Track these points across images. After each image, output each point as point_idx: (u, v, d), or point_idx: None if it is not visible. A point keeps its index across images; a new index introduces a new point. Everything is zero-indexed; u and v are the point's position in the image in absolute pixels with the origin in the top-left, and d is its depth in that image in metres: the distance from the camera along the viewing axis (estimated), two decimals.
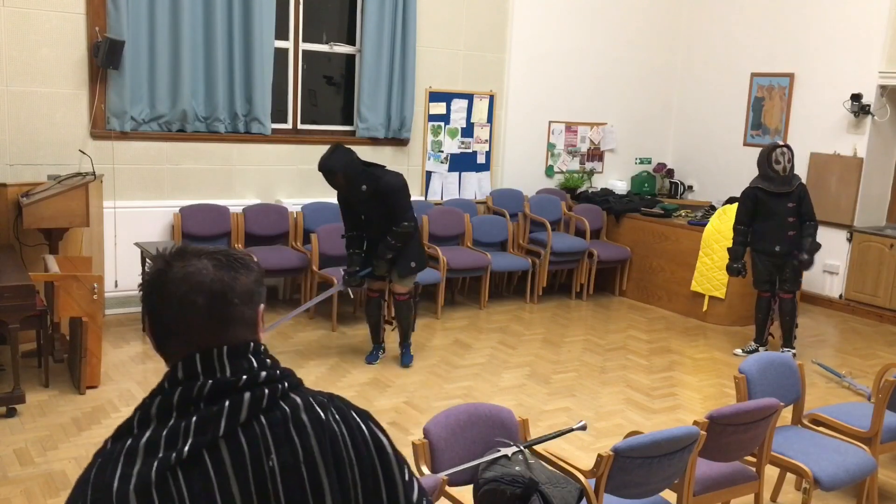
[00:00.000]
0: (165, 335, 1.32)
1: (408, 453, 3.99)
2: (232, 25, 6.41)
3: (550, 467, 2.82)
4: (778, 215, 5.90)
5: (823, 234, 7.61)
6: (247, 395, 1.27)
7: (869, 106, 7.42)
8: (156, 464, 1.21)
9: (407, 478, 1.38)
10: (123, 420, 1.28)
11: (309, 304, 5.86)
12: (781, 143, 6.27)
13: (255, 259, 1.42)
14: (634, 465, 2.72)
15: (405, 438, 4.35)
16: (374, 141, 7.24)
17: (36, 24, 5.77)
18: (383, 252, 5.24)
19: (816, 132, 7.86)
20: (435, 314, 6.82)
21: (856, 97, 7.43)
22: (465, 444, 2.80)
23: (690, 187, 9.03)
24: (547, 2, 8.05)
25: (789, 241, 5.90)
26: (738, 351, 6.23)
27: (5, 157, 5.76)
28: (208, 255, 1.33)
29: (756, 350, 6.13)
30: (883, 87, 7.41)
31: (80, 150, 5.88)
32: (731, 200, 7.64)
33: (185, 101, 6.30)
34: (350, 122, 7.32)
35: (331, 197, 7.02)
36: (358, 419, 1.36)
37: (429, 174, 7.65)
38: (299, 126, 7.10)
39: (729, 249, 6.16)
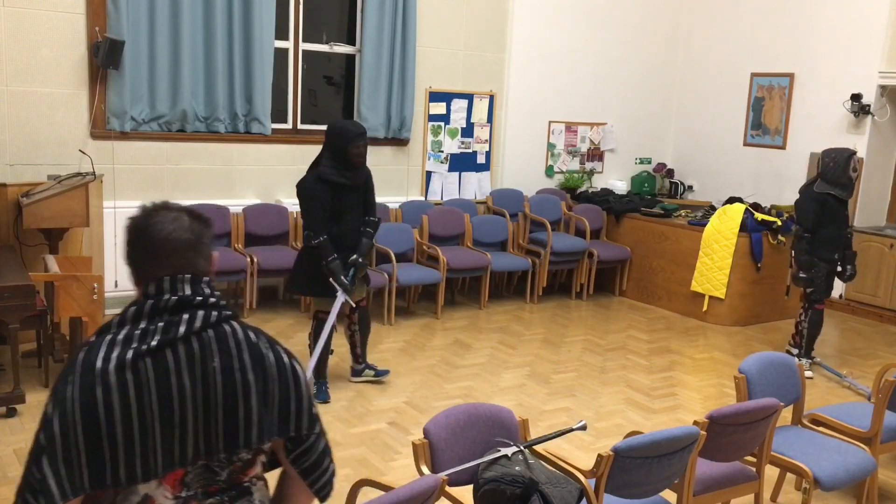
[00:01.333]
0: (144, 261, 1.72)
1: (408, 453, 4.00)
2: (232, 25, 6.41)
3: (550, 467, 2.82)
4: (840, 223, 5.70)
5: None
6: (201, 311, 1.69)
7: (869, 106, 7.42)
8: (130, 351, 1.63)
9: (313, 405, 1.82)
10: (105, 322, 1.71)
11: (332, 321, 4.91)
12: (852, 149, 5.92)
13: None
14: (634, 465, 2.72)
15: (405, 438, 4.35)
16: (374, 141, 7.23)
17: (36, 24, 5.77)
18: (367, 248, 4.85)
19: (816, 132, 7.86)
20: (435, 314, 6.82)
21: (856, 97, 7.43)
22: (465, 444, 2.80)
23: (690, 187, 9.03)
24: (547, 2, 8.05)
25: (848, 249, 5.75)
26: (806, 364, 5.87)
27: (5, 157, 5.76)
28: (185, 210, 1.76)
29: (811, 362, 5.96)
30: (883, 87, 7.41)
31: (80, 150, 5.88)
32: (731, 200, 7.65)
33: (185, 101, 6.30)
34: None
35: None
36: (282, 352, 1.79)
37: (429, 174, 7.65)
38: (299, 126, 7.10)
39: (801, 259, 5.71)
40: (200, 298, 1.70)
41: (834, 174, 5.62)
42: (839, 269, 5.77)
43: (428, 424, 2.77)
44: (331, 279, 4.68)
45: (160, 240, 1.70)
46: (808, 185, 5.81)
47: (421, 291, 7.16)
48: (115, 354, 1.63)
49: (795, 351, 6.02)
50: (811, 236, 5.67)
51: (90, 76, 5.99)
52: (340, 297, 4.74)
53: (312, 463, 1.84)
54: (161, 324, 1.66)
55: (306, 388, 1.80)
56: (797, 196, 5.87)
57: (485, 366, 5.66)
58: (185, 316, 1.68)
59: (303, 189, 4.69)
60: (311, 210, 4.65)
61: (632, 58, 8.71)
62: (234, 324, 1.75)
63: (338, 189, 4.67)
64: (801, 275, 5.74)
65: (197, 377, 1.66)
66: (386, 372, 5.27)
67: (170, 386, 1.63)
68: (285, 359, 1.79)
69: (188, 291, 1.70)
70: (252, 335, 1.76)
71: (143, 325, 1.66)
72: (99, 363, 1.62)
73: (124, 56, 5.93)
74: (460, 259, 6.88)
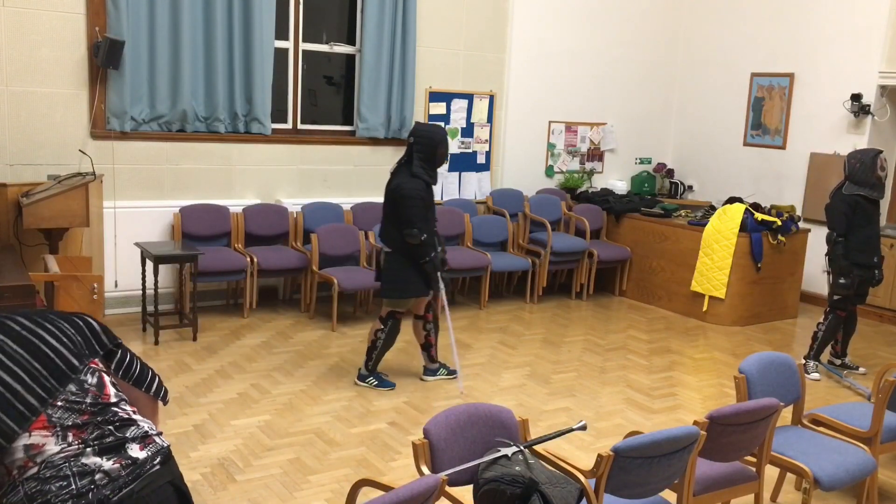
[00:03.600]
0: None
1: (408, 453, 4.00)
2: (232, 25, 6.41)
3: (550, 467, 2.82)
4: (874, 224, 5.61)
5: (823, 234, 7.62)
6: None
7: (869, 106, 7.42)
8: None
9: (107, 330, 2.13)
10: None
11: (448, 319, 5.35)
12: (878, 148, 5.82)
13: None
14: (634, 465, 2.72)
15: (405, 438, 4.35)
16: (374, 141, 7.24)
17: (36, 24, 5.77)
18: (444, 248, 5.15)
19: (816, 132, 7.86)
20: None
21: (856, 97, 7.44)
22: (465, 444, 2.80)
23: (690, 187, 9.03)
24: (547, 2, 8.05)
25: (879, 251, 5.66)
26: (843, 373, 5.86)
27: (5, 157, 5.76)
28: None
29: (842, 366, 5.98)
30: (883, 87, 7.41)
31: (80, 150, 5.88)
32: (731, 200, 7.65)
33: (185, 101, 6.30)
34: (350, 122, 7.32)
35: (330, 197, 7.06)
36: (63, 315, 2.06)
37: None
38: (299, 126, 7.10)
39: (841, 267, 5.57)
40: None
41: (862, 175, 5.53)
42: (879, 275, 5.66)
43: (428, 424, 2.77)
44: (432, 275, 4.93)
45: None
46: (837, 189, 5.71)
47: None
48: None
49: (838, 361, 6.00)
50: (845, 240, 5.55)
51: (90, 76, 5.99)
52: (443, 292, 5.05)
53: (138, 373, 2.17)
54: None
55: (92, 320, 2.10)
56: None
57: (485, 366, 5.66)
58: None
59: (409, 189, 4.83)
60: (415, 208, 4.83)
61: (632, 58, 8.71)
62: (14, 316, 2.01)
63: (427, 188, 4.92)
64: (842, 280, 5.58)
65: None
66: (455, 372, 5.33)
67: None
68: (67, 315, 2.08)
69: None
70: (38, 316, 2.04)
71: None
72: None
73: (124, 56, 5.93)
74: (460, 259, 6.88)
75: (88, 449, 1.87)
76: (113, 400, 1.99)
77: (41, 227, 5.10)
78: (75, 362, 1.96)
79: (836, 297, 5.70)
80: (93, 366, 2.00)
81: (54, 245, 5.23)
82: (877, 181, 5.53)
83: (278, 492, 3.66)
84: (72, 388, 1.92)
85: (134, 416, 2.01)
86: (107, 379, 2.03)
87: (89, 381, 1.97)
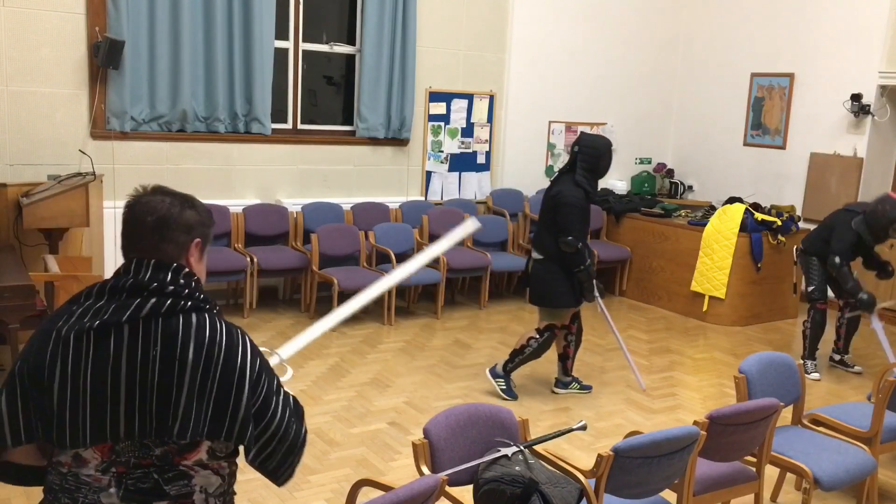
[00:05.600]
0: (122, 241, 1.80)
1: (408, 453, 3.99)
2: (232, 25, 6.41)
3: (550, 467, 2.82)
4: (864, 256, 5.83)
5: None
6: (153, 299, 1.71)
7: (869, 106, 7.41)
8: (77, 325, 1.70)
9: (249, 419, 1.76)
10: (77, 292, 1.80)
11: (610, 322, 5.39)
12: None
13: (208, 210, 1.88)
14: (634, 465, 2.72)
15: (405, 438, 4.35)
16: (374, 141, 7.24)
17: (36, 24, 5.77)
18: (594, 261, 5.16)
19: (816, 132, 7.86)
20: (435, 314, 6.82)
21: (856, 97, 7.43)
22: (465, 444, 2.80)
23: (690, 187, 9.03)
24: (547, 2, 8.05)
25: None
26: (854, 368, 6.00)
27: (5, 157, 5.76)
28: (171, 194, 1.81)
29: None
30: (883, 87, 7.40)
31: (80, 150, 5.88)
32: (731, 200, 7.65)
33: (185, 101, 6.30)
34: (350, 122, 7.32)
35: (330, 197, 7.06)
36: (249, 359, 1.76)
37: (429, 174, 7.65)
38: (299, 126, 7.10)
39: (850, 288, 5.63)
40: (156, 285, 1.72)
41: (875, 223, 5.52)
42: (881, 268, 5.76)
43: (428, 424, 2.77)
44: (583, 282, 4.90)
45: (132, 221, 1.78)
46: (849, 211, 5.72)
47: (421, 291, 7.16)
48: (67, 325, 1.71)
49: (837, 357, 6.07)
50: (841, 262, 5.61)
51: (90, 76, 5.99)
52: (600, 300, 5.06)
53: (273, 466, 1.87)
54: (113, 305, 1.72)
55: (253, 397, 1.75)
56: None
57: (485, 366, 5.65)
58: (136, 301, 1.71)
59: (570, 197, 4.82)
60: (573, 216, 4.81)
61: (632, 58, 8.71)
62: (198, 316, 1.73)
63: (586, 199, 4.90)
64: (862, 296, 5.56)
65: (136, 363, 1.69)
66: (589, 387, 5.27)
67: (106, 366, 1.69)
68: (248, 366, 1.75)
69: (146, 276, 1.74)
70: (219, 335, 1.74)
71: (101, 302, 1.74)
72: (53, 331, 1.71)
73: (124, 56, 5.93)
74: (460, 259, 6.88)
75: (115, 490, 1.72)
76: (183, 468, 1.75)
77: (41, 227, 5.10)
78: (176, 432, 1.70)
79: (810, 289, 5.86)
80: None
81: (54, 245, 5.23)
82: (883, 236, 5.57)
83: (278, 492, 3.66)
84: (154, 438, 1.72)
85: (193, 471, 1.76)
86: (204, 447, 1.77)
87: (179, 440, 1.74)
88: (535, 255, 5.00)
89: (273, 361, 2.12)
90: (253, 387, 1.76)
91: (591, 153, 4.87)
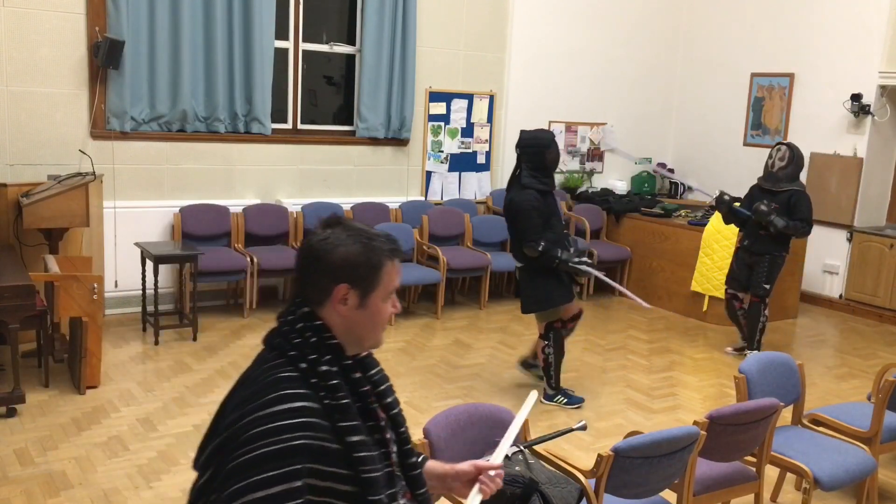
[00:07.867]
0: None
1: None
2: (232, 25, 6.41)
3: (550, 467, 2.82)
4: None
5: (824, 234, 7.63)
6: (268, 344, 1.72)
7: (869, 106, 7.42)
8: None
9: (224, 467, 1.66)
10: None
11: (626, 292, 5.52)
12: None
13: (395, 245, 1.74)
14: (634, 465, 2.72)
15: None
16: (374, 141, 7.24)
17: (36, 24, 5.77)
18: (578, 250, 5.10)
19: (816, 132, 7.86)
20: (435, 314, 6.82)
21: (856, 97, 7.43)
22: (465, 444, 2.80)
23: (690, 188, 9.03)
24: (547, 2, 8.05)
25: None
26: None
27: (5, 157, 5.76)
28: (343, 227, 1.69)
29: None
30: (883, 87, 7.41)
31: (80, 150, 5.88)
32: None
33: (185, 101, 6.30)
34: (350, 122, 7.32)
35: (330, 197, 7.06)
36: (261, 405, 1.58)
37: (429, 174, 7.65)
38: (299, 126, 7.10)
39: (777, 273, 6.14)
40: (277, 326, 1.72)
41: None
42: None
43: (428, 424, 2.77)
44: (569, 270, 4.83)
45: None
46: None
47: (421, 291, 7.16)
48: None
49: (742, 344, 6.18)
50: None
51: (90, 76, 5.99)
52: (594, 273, 4.98)
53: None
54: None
55: (242, 449, 1.56)
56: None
57: (485, 366, 5.66)
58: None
59: (521, 202, 4.75)
60: (530, 220, 4.73)
61: (632, 58, 8.71)
62: (270, 356, 1.68)
63: (543, 196, 4.79)
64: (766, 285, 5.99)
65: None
66: (580, 400, 5.11)
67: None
68: (256, 409, 1.58)
69: (286, 317, 1.72)
70: (263, 371, 1.66)
71: None
72: None
73: (124, 56, 5.93)
74: (460, 259, 6.88)
75: None
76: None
77: (41, 227, 5.10)
78: (201, 461, 1.69)
79: (767, 287, 6.05)
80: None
81: (54, 245, 5.23)
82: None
83: None
84: None
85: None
86: None
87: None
88: (516, 263, 4.99)
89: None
90: (249, 437, 1.63)
91: (533, 151, 4.78)
